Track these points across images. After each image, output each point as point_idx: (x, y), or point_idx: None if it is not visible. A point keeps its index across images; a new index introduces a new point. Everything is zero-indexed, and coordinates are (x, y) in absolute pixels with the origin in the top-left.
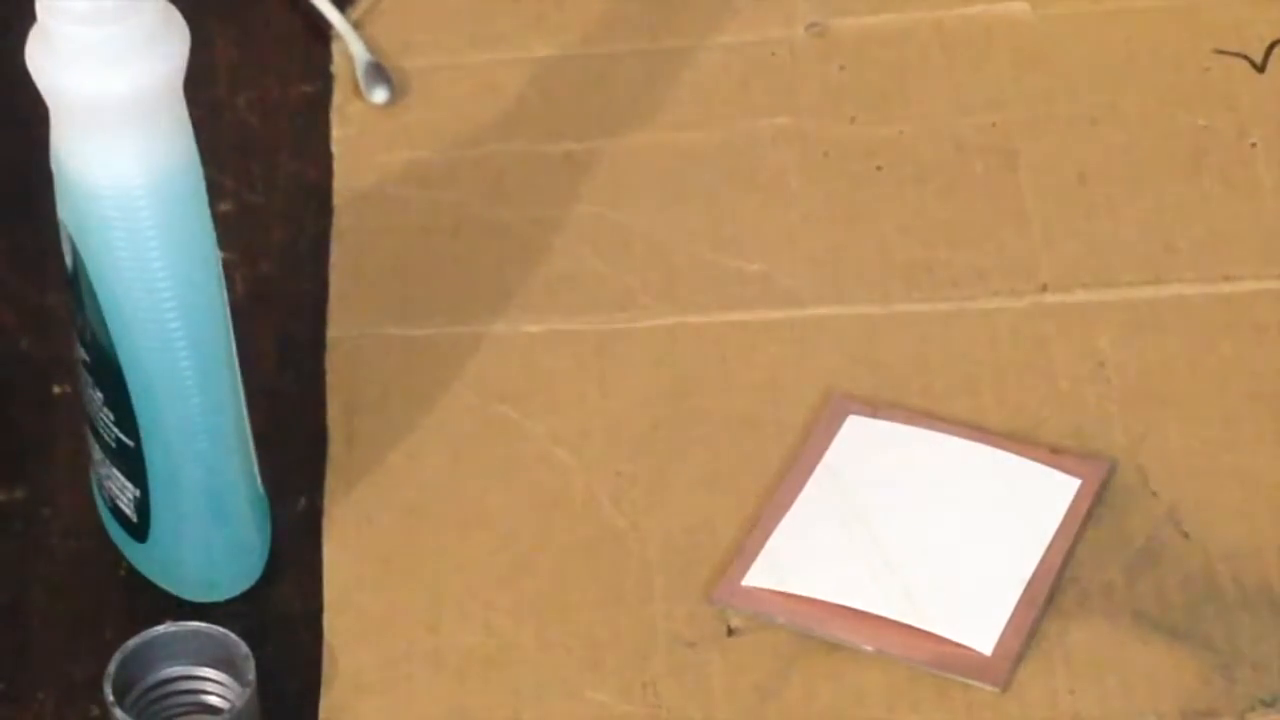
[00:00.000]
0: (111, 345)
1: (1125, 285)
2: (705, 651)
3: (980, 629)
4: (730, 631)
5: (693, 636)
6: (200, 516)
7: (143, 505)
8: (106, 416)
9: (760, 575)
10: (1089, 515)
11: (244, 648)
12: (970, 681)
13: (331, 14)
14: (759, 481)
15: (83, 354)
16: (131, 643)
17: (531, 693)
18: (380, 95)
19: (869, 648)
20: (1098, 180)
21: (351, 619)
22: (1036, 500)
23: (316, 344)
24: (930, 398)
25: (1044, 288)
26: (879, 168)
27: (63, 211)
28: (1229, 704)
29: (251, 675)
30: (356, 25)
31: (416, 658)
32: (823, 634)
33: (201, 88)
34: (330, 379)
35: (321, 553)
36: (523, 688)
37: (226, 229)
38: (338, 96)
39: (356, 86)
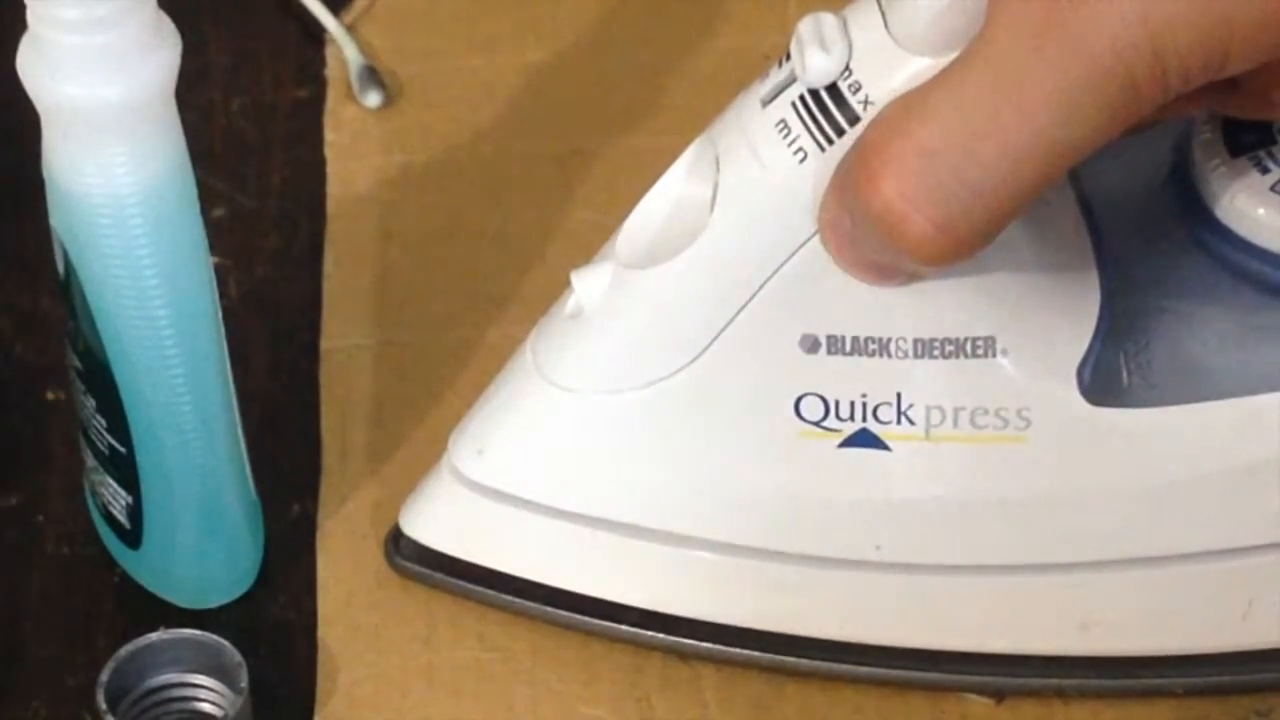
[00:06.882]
0: (103, 351)
1: None
2: (699, 665)
3: None
4: None
5: (686, 649)
6: (193, 523)
7: (135, 512)
8: (99, 423)
9: None
10: None
11: (237, 655)
12: (966, 694)
13: (325, 18)
14: None
15: (75, 361)
16: (125, 650)
17: (525, 707)
18: (374, 99)
19: None
20: None
21: (345, 632)
22: None
23: (310, 350)
24: None
25: None
26: None
27: (54, 219)
28: (1223, 714)
29: (244, 683)
30: (350, 29)
31: (410, 671)
32: None
33: (194, 92)
34: (324, 386)
35: (315, 560)
36: (516, 702)
37: (219, 234)
38: (331, 100)
39: (350, 90)
